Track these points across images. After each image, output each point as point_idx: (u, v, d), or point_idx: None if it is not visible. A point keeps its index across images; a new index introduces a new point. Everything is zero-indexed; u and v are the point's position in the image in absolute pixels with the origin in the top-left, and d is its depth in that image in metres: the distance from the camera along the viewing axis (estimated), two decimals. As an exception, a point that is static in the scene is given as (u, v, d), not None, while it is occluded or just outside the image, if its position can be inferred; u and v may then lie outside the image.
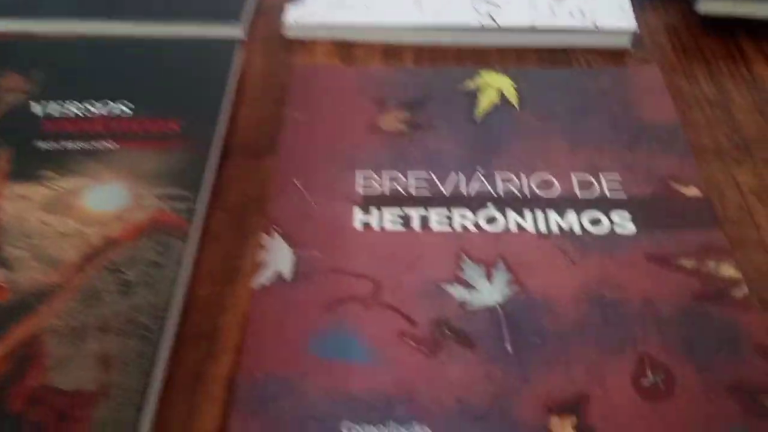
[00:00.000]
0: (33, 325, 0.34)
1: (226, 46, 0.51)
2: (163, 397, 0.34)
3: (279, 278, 0.37)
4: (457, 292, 0.37)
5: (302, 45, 0.54)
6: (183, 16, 0.53)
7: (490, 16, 0.54)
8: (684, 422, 0.32)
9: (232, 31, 0.54)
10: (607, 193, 0.42)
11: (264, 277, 0.37)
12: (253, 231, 0.41)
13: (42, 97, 0.47)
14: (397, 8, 0.54)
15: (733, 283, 0.37)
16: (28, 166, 0.42)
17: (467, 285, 0.37)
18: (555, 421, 0.32)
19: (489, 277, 0.38)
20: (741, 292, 0.37)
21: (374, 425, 0.32)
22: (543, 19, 0.53)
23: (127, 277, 0.36)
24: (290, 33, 0.54)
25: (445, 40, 0.54)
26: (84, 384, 0.32)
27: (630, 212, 0.41)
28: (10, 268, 0.37)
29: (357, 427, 0.32)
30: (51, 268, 0.37)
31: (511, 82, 0.49)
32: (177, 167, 0.42)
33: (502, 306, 0.36)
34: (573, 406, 0.32)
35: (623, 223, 0.40)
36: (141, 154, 0.43)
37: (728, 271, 0.38)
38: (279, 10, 0.55)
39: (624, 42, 0.53)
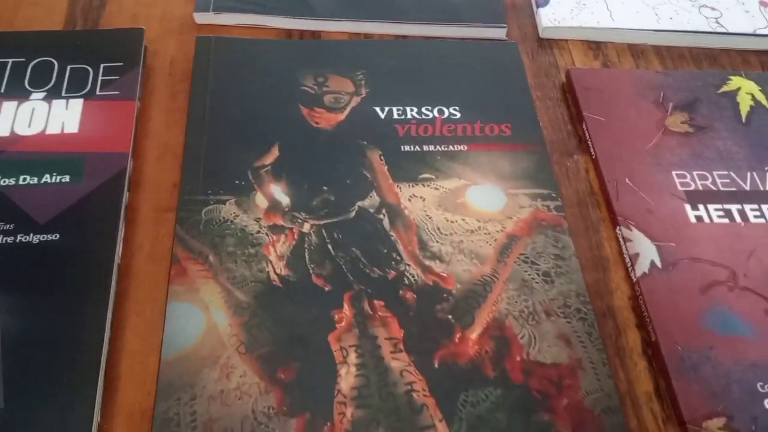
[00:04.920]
0: (490, 310, 0.42)
1: (511, 48, 0.57)
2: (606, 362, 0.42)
3: (653, 266, 0.46)
4: (794, 275, 0.46)
5: (557, 43, 0.61)
6: (456, 19, 0.60)
7: (717, 22, 0.62)
8: None
9: (498, 32, 0.60)
10: None
11: (643, 266, 0.46)
12: (600, 224, 0.49)
13: (374, 101, 0.53)
14: (636, 14, 0.62)
15: None
16: (401, 167, 0.49)
17: (799, 269, 0.46)
18: None
19: (815, 262, 0.47)
20: None
21: (780, 385, 0.41)
22: (762, 26, 0.62)
23: (543, 268, 0.44)
24: (545, 34, 0.61)
25: (681, 41, 0.62)
26: (557, 358, 0.41)
27: None
28: (445, 261, 0.44)
29: (769, 386, 0.41)
30: (476, 260, 0.44)
31: (758, 86, 0.58)
32: (528, 167, 0.50)
33: (838, 285, 0.46)
34: None
35: None
36: (489, 155, 0.50)
37: None
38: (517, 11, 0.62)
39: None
